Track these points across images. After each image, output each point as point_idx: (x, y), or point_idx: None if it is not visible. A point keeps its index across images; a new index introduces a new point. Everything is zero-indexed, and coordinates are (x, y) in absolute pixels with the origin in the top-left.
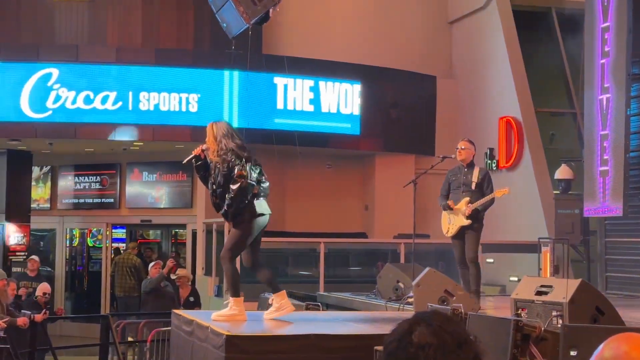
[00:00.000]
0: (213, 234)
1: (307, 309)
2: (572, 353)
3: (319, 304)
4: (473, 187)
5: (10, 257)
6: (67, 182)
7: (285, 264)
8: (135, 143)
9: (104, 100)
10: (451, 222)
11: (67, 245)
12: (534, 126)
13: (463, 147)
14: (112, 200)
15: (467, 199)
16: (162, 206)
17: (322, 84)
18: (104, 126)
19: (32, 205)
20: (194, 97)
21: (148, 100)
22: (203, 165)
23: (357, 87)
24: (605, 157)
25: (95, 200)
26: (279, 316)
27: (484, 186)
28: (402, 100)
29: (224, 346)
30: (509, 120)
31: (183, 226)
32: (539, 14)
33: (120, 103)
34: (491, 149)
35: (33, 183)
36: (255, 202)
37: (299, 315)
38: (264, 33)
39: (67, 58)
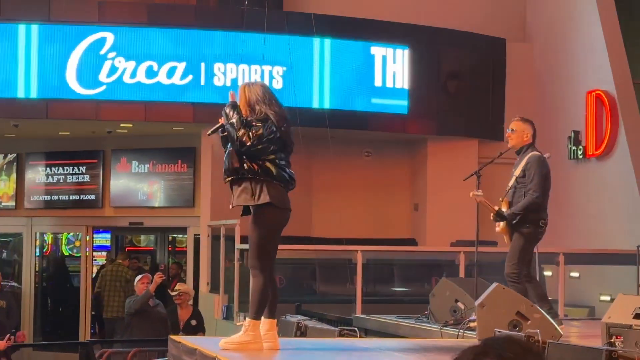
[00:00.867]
0: (221, 239)
1: (341, 335)
2: None
3: (356, 329)
4: (511, 182)
5: None
6: (36, 174)
7: (312, 278)
8: (122, 124)
9: (171, 72)
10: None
11: (37, 254)
12: (632, 102)
13: (512, 128)
14: (93, 197)
15: (500, 198)
16: (156, 205)
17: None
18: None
19: None
20: (278, 71)
21: (224, 74)
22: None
23: (404, 53)
24: None
25: (72, 198)
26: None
27: (527, 177)
28: (461, 70)
29: None
30: (600, 94)
31: (183, 230)
32: None
33: (190, 77)
34: (576, 132)
35: None
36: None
37: (330, 344)
38: None
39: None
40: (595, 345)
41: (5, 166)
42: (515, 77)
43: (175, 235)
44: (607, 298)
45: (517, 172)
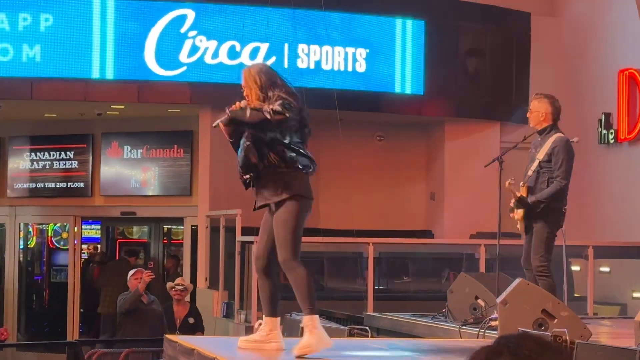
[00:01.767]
0: (220, 231)
1: (351, 335)
2: None
3: (367, 328)
4: (534, 166)
5: None
6: (20, 160)
7: (320, 273)
8: (113, 106)
9: (254, 53)
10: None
11: (21, 246)
12: None
13: (529, 107)
14: (81, 184)
15: (521, 183)
16: (150, 193)
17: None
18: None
19: None
20: (361, 53)
21: (307, 56)
22: (240, 130)
23: (419, 28)
24: None
25: (59, 185)
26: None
27: (553, 162)
28: (482, 47)
29: None
30: (633, 73)
31: (179, 221)
32: None
33: (273, 58)
34: (607, 115)
35: None
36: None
37: (339, 345)
38: None
39: None
40: (628, 345)
41: None
42: (540, 54)
43: (170, 227)
44: None
45: (541, 155)
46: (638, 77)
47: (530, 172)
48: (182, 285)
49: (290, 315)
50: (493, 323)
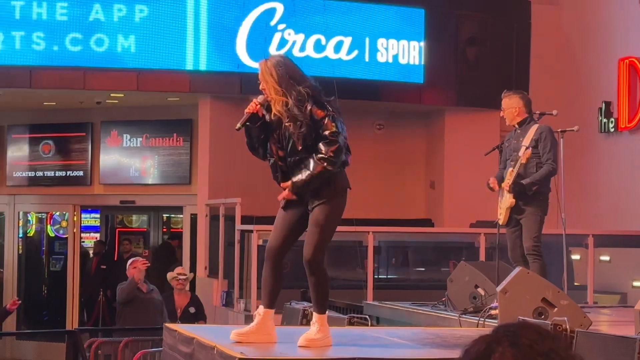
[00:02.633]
0: (220, 219)
1: (351, 324)
2: None
3: (367, 317)
4: (521, 153)
5: None
6: (19, 148)
7: None
8: (112, 94)
9: (338, 47)
10: (500, 206)
11: (20, 235)
12: None
13: (502, 107)
14: (81, 173)
15: (511, 169)
16: (149, 182)
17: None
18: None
19: None
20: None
21: (387, 50)
22: (262, 126)
23: (419, 16)
24: None
25: (59, 174)
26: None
27: (540, 150)
28: (482, 35)
29: None
30: (634, 62)
31: (179, 209)
32: None
33: (355, 52)
34: (607, 104)
35: None
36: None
37: (339, 333)
38: None
39: None
40: (628, 334)
41: None
42: (541, 43)
43: (170, 215)
44: None
45: (527, 142)
46: (638, 66)
47: (516, 159)
48: (184, 275)
49: (290, 304)
50: (493, 312)
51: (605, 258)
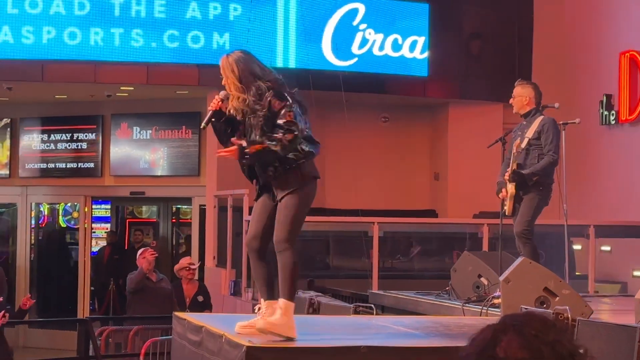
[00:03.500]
0: (228, 210)
1: (356, 312)
2: None
3: (372, 306)
4: (524, 144)
5: None
6: (31, 140)
7: (325, 252)
8: (122, 87)
9: (412, 46)
10: (506, 198)
11: (32, 225)
12: None
13: (512, 95)
14: (92, 165)
15: (515, 163)
16: (159, 174)
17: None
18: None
19: None
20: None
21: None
22: (227, 122)
23: (423, 10)
24: None
25: (70, 166)
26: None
27: (543, 141)
28: (485, 29)
29: None
30: (634, 55)
31: (188, 200)
32: None
33: (426, 53)
34: (608, 96)
35: None
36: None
37: (345, 322)
38: None
39: None
40: (629, 323)
41: None
42: (543, 36)
43: (179, 206)
44: None
45: (530, 133)
46: (639, 59)
47: (519, 151)
48: (194, 265)
49: (297, 293)
50: (496, 301)
51: (606, 248)
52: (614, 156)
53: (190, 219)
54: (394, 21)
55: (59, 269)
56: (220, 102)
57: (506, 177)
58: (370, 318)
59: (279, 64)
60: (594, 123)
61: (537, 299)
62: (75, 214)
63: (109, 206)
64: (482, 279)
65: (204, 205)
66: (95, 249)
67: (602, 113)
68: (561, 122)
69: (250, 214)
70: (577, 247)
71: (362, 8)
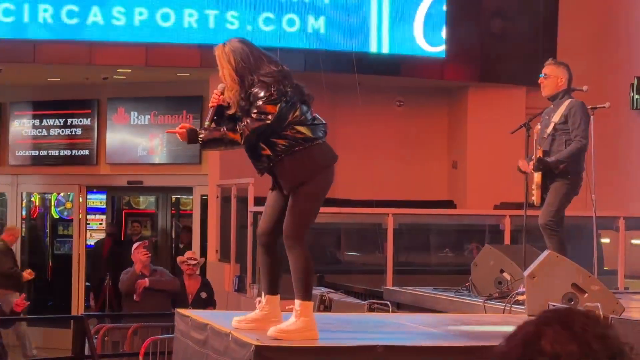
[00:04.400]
0: (232, 201)
1: (371, 310)
2: None
3: (388, 302)
4: (549, 130)
5: None
6: (22, 126)
7: (337, 246)
8: (119, 70)
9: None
10: (533, 187)
11: (23, 216)
12: None
13: (545, 73)
14: (86, 152)
15: (540, 150)
16: (158, 161)
17: None
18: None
19: None
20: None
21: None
22: (231, 118)
23: None
24: None
25: (63, 153)
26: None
27: (570, 125)
28: (507, 8)
29: None
30: None
31: (188, 190)
32: None
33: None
34: None
35: None
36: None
37: (359, 320)
38: None
39: None
40: None
41: None
42: (569, 15)
43: (179, 196)
44: None
45: (557, 118)
46: None
47: (544, 136)
48: (195, 259)
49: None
50: (520, 297)
51: (637, 242)
52: None
53: (191, 210)
54: None
55: (51, 262)
56: (220, 96)
57: (531, 168)
58: (386, 316)
59: (373, 49)
60: (624, 107)
61: (564, 296)
62: (68, 205)
63: (104, 196)
64: (505, 274)
65: (206, 196)
66: (90, 241)
67: (633, 97)
68: (590, 106)
69: (255, 204)
70: (605, 240)
71: None
